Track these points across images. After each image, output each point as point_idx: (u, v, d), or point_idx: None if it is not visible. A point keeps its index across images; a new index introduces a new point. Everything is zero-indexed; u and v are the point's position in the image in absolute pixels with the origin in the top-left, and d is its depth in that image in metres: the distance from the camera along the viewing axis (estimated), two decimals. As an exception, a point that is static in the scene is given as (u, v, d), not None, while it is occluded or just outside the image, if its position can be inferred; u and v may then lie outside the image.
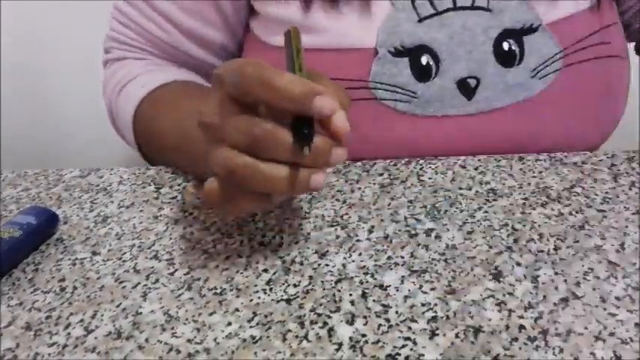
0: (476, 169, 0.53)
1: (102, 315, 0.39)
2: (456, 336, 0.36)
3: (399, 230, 0.45)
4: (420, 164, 0.54)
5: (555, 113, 0.56)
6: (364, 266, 0.42)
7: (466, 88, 0.54)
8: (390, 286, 0.40)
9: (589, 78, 0.56)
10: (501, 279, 0.40)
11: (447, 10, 0.53)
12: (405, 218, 0.47)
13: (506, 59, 0.53)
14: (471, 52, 0.53)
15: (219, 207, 0.40)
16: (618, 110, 0.61)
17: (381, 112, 0.54)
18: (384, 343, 0.35)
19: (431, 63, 0.53)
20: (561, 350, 0.34)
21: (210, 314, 0.38)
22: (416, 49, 0.53)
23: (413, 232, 0.45)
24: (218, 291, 0.40)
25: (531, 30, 0.53)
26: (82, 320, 0.39)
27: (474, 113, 0.55)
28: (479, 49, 0.53)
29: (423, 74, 0.53)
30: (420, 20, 0.52)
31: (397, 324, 0.37)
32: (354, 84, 0.53)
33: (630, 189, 0.49)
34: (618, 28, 0.60)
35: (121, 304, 0.40)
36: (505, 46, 0.53)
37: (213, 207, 0.43)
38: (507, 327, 0.36)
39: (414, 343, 0.35)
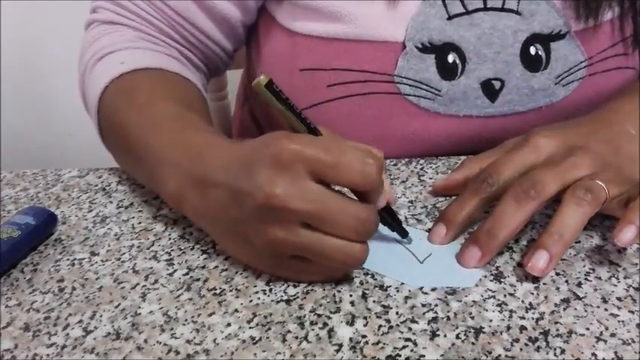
0: (476, 169, 0.52)
1: (101, 316, 0.39)
2: (457, 337, 0.35)
3: (400, 230, 0.45)
4: (421, 164, 0.54)
5: None
6: (364, 267, 0.41)
7: (490, 90, 0.54)
8: (390, 286, 0.40)
9: (610, 88, 0.56)
10: (502, 279, 0.40)
11: (477, 10, 0.52)
12: (406, 218, 0.46)
13: (533, 64, 0.53)
14: (499, 53, 0.53)
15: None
16: None
17: (404, 107, 0.54)
18: (384, 344, 0.35)
19: (457, 61, 0.53)
20: (562, 351, 0.34)
21: (210, 315, 0.38)
22: (443, 46, 0.53)
23: (413, 232, 0.45)
24: (217, 291, 0.40)
25: (559, 36, 0.53)
26: (80, 321, 0.39)
27: (495, 115, 0.55)
28: (506, 52, 0.53)
29: (448, 72, 0.53)
30: (450, 18, 0.52)
31: (397, 325, 0.37)
32: (379, 77, 0.53)
33: (632, 189, 0.49)
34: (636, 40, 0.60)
35: (119, 304, 0.40)
36: (532, 50, 0.53)
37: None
38: (508, 328, 0.36)
39: (415, 344, 0.35)
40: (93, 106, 0.55)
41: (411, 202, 0.48)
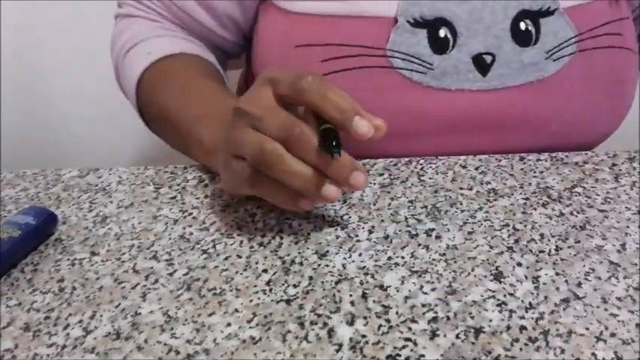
0: (477, 168, 0.53)
1: (101, 315, 0.39)
2: (457, 337, 0.36)
3: (400, 230, 0.45)
4: (421, 164, 0.54)
5: (567, 96, 0.57)
6: (364, 267, 0.42)
7: (481, 64, 0.55)
8: (390, 286, 0.40)
9: (601, 65, 0.57)
10: (502, 279, 0.40)
11: None
12: (406, 218, 0.46)
13: (523, 39, 0.54)
14: (489, 28, 0.54)
15: (244, 188, 0.44)
16: (627, 100, 0.62)
17: (397, 80, 0.55)
18: (384, 343, 0.35)
19: (449, 36, 0.54)
20: (562, 351, 0.34)
21: (210, 315, 0.38)
22: (435, 21, 0.54)
23: (413, 232, 0.45)
24: (217, 291, 0.40)
25: (548, 13, 0.55)
26: (80, 321, 0.39)
27: (487, 89, 0.55)
28: (497, 26, 0.54)
29: (440, 46, 0.54)
30: None
31: (397, 325, 0.37)
32: (372, 51, 0.54)
33: (631, 189, 0.49)
34: (630, 23, 0.61)
35: (120, 304, 0.40)
36: (522, 25, 0.54)
37: (238, 189, 0.46)
38: (508, 327, 0.36)
39: (415, 343, 0.35)
40: (132, 95, 0.62)
41: (410, 202, 0.48)
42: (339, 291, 0.40)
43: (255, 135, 0.41)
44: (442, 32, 0.54)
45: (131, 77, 0.61)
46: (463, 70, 0.55)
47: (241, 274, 0.42)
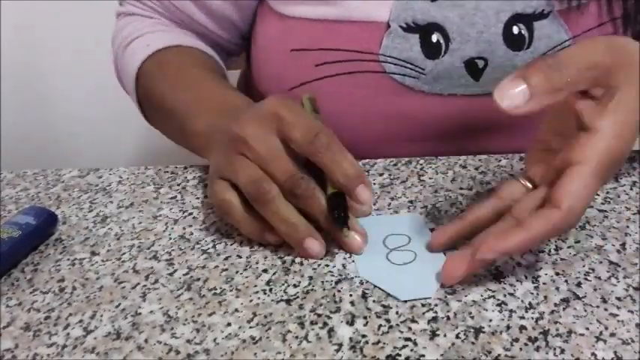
0: (476, 168, 0.53)
1: (101, 315, 0.39)
2: (457, 336, 0.36)
3: (400, 230, 0.45)
4: (421, 164, 0.54)
5: None
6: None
7: (474, 69, 0.55)
8: (390, 286, 0.40)
9: None
10: (502, 279, 0.40)
11: None
12: (406, 218, 0.46)
13: (515, 43, 0.54)
14: (482, 33, 0.54)
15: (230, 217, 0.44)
16: None
17: (389, 85, 0.55)
18: (384, 343, 0.35)
19: (441, 41, 0.54)
20: (562, 351, 0.34)
21: (210, 315, 0.38)
22: (427, 26, 0.54)
23: (413, 232, 0.45)
24: (218, 291, 0.40)
25: (542, 16, 0.54)
26: (81, 321, 0.39)
27: (479, 94, 0.56)
28: (489, 31, 0.54)
29: (432, 51, 0.54)
30: None
31: (397, 324, 0.37)
32: (364, 56, 0.55)
33: (631, 189, 0.49)
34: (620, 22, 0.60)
35: (120, 304, 0.40)
36: (515, 29, 0.54)
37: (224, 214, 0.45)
38: (508, 327, 0.36)
39: (415, 343, 0.35)
40: (131, 87, 0.63)
41: (410, 202, 0.48)
42: (339, 291, 0.40)
43: (254, 170, 0.41)
44: (434, 37, 0.54)
45: (130, 70, 0.62)
46: (455, 75, 0.55)
47: (241, 274, 0.42)
